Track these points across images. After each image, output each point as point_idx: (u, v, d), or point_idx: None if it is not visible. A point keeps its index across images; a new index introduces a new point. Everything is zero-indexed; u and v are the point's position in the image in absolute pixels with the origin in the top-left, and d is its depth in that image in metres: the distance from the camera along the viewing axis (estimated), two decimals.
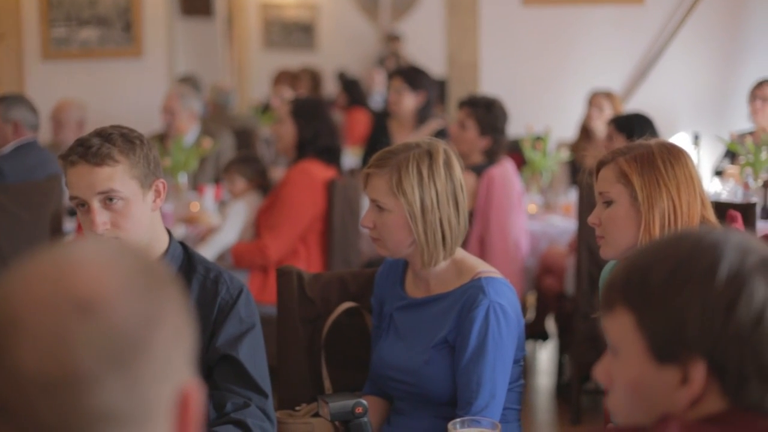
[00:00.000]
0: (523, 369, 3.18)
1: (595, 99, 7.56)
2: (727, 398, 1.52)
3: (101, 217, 2.84)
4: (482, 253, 5.65)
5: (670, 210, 2.86)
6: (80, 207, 2.89)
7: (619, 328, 1.58)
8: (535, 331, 6.59)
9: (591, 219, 3.00)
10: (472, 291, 3.02)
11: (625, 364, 1.58)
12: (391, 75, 7.64)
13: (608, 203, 2.95)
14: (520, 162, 6.97)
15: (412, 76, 7.06)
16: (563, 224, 6.43)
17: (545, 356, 6.99)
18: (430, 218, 3.05)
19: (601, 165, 2.99)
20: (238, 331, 2.95)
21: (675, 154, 2.94)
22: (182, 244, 3.06)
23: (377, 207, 3.10)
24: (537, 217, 6.56)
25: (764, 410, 1.52)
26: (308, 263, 5.61)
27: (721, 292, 1.51)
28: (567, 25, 9.42)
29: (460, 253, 3.16)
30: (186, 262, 3.01)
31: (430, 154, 3.08)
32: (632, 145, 2.99)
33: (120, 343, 1.21)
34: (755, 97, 7.92)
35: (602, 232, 2.97)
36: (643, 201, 2.86)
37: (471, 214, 5.66)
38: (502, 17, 9.28)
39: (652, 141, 2.99)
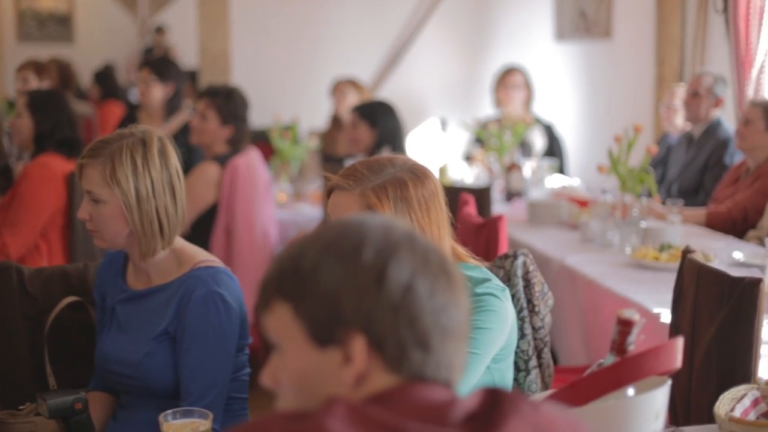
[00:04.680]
0: (249, 357, 3.17)
1: (336, 88, 7.68)
2: (392, 372, 1.54)
3: None
4: (229, 244, 5.62)
5: None
6: None
7: (278, 323, 1.59)
8: None
9: None
10: (191, 281, 2.99)
11: (289, 358, 1.58)
12: (139, 66, 7.55)
13: None
14: (270, 151, 6.97)
15: (160, 67, 7.00)
16: (313, 212, 6.47)
17: None
18: (146, 207, 3.00)
19: (336, 189, 2.75)
20: None
21: (424, 181, 2.75)
22: None
23: (92, 198, 3.03)
24: (286, 206, 6.59)
25: (427, 378, 1.55)
26: (50, 259, 5.46)
27: (370, 266, 1.53)
28: (317, 14, 9.47)
29: (180, 242, 3.12)
30: None
31: (144, 143, 3.03)
32: (379, 172, 2.73)
33: None
34: (501, 84, 8.15)
35: None
36: None
37: (216, 205, 5.63)
38: (252, 6, 9.27)
39: (399, 165, 2.76)
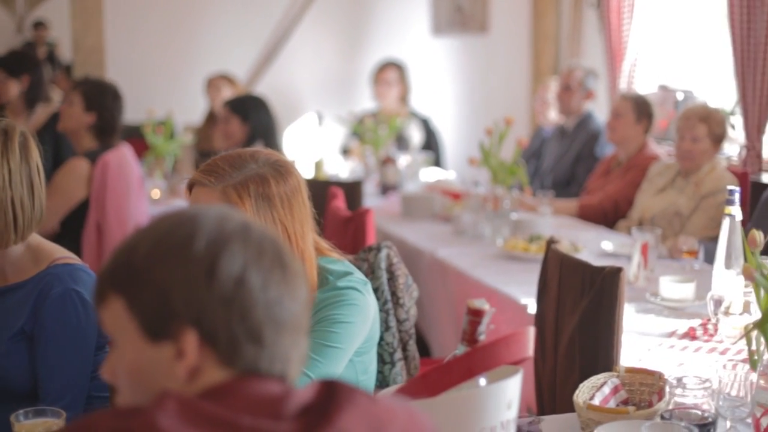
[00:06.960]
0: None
1: (211, 83, 7.65)
2: (226, 366, 1.52)
3: None
4: (100, 240, 5.55)
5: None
6: None
7: (113, 317, 1.56)
8: None
9: None
10: (48, 278, 2.93)
11: (123, 352, 1.56)
12: None
13: None
14: (144, 147, 6.90)
15: (10, 62, 6.90)
16: None
17: None
18: (0, 196, 2.94)
19: (197, 185, 2.74)
20: None
21: (286, 177, 2.73)
22: None
23: None
24: (161, 202, 6.54)
25: (262, 372, 1.54)
26: None
27: (201, 259, 1.52)
28: (193, 8, 9.40)
29: (36, 240, 3.06)
30: None
31: (6, 133, 2.98)
32: (241, 168, 2.70)
33: None
34: (377, 79, 8.19)
35: None
36: None
37: (87, 201, 5.55)
38: (127, 1, 9.17)
39: (261, 160, 2.73)
